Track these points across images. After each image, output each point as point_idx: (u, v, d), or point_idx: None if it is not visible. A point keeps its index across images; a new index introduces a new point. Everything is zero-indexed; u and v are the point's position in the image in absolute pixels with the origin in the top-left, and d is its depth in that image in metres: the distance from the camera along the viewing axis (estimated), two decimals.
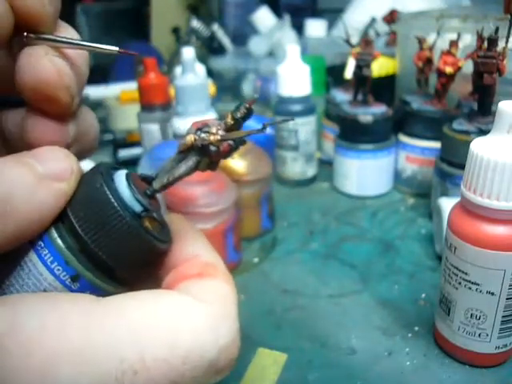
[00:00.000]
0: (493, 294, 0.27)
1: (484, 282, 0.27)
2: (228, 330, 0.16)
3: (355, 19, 0.89)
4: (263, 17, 1.10)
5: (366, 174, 0.54)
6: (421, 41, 0.52)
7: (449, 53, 0.47)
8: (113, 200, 0.16)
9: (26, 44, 0.17)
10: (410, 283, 0.39)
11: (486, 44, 0.39)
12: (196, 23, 1.11)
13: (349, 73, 0.63)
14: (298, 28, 1.03)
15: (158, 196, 0.19)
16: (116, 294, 0.16)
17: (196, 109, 0.46)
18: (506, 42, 0.37)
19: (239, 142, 0.18)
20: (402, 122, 0.54)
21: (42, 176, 0.15)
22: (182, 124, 0.46)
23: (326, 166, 0.61)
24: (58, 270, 0.16)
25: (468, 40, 0.49)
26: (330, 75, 0.81)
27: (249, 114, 0.17)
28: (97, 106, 0.83)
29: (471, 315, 0.29)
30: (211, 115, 0.47)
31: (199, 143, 0.17)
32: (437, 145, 0.47)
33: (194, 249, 0.19)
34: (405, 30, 0.60)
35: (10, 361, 0.13)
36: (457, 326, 0.30)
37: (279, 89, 0.56)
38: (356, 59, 0.53)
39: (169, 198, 0.38)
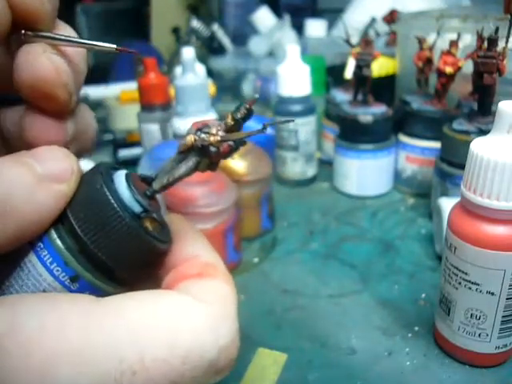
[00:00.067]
0: (493, 294, 0.27)
1: (484, 282, 0.27)
2: (228, 330, 0.16)
3: (355, 19, 0.89)
4: (263, 17, 1.10)
5: (366, 174, 0.54)
6: (421, 41, 0.52)
7: (449, 53, 0.47)
8: (112, 201, 0.16)
9: (24, 42, 0.17)
10: (410, 283, 0.39)
11: (485, 44, 0.39)
12: (196, 23, 1.10)
13: (349, 73, 0.63)
14: (298, 28, 1.03)
15: (158, 196, 0.19)
16: (115, 294, 0.16)
17: (196, 109, 0.46)
18: (506, 42, 0.37)
19: (239, 143, 0.18)
20: (402, 122, 0.54)
21: (41, 176, 0.15)
22: (182, 124, 0.46)
23: (326, 166, 0.61)
24: (58, 270, 0.16)
25: (468, 40, 0.49)
26: (330, 75, 0.81)
27: (249, 114, 0.17)
28: (97, 105, 0.83)
29: (471, 315, 0.29)
30: (211, 115, 0.47)
31: (199, 144, 0.17)
32: (437, 145, 0.47)
33: (193, 249, 0.19)
34: (405, 29, 0.60)
35: (10, 361, 0.13)
36: (457, 326, 0.30)
37: (279, 89, 0.56)
38: (356, 59, 0.53)
39: (169, 199, 0.38)
